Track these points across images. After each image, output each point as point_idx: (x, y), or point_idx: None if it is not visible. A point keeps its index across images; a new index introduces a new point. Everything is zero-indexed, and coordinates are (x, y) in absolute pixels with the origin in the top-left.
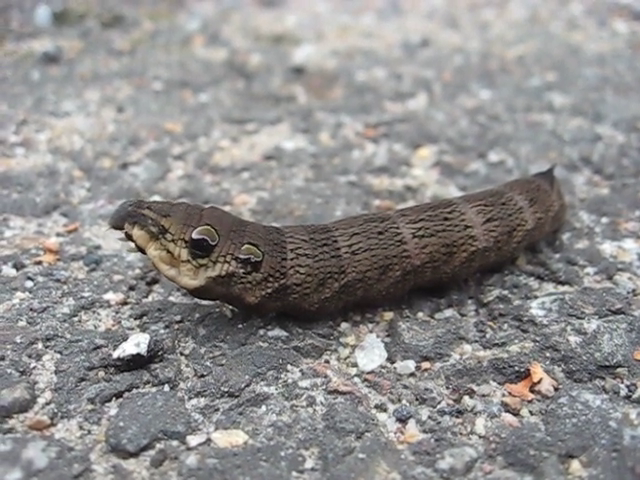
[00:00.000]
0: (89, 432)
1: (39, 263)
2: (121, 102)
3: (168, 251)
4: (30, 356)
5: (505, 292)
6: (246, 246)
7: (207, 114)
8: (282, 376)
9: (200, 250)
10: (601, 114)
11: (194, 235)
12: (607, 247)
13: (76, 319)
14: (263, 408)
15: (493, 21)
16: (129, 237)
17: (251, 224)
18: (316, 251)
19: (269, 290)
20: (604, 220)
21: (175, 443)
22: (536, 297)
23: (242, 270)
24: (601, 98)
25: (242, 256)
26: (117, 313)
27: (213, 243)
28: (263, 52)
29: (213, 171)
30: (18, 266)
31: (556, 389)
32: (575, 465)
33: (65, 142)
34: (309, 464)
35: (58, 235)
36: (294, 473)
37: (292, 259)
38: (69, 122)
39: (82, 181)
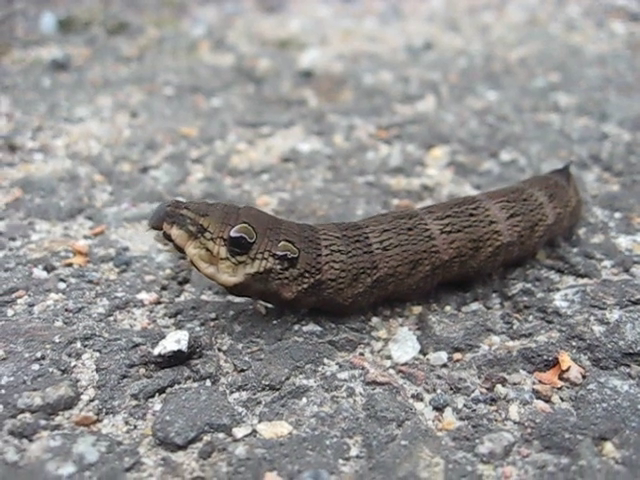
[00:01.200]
0: (135, 427)
1: (69, 265)
2: (134, 107)
3: (207, 249)
4: (70, 355)
5: (528, 285)
6: (282, 243)
7: (221, 118)
8: (320, 369)
9: (238, 247)
10: (606, 113)
11: (232, 233)
12: (622, 241)
13: (112, 319)
14: (304, 400)
15: (493, 24)
16: (168, 237)
17: (286, 222)
18: (349, 247)
19: (305, 285)
20: (617, 215)
21: (221, 435)
22: (558, 289)
23: (279, 266)
24: (605, 98)
25: (279, 253)
26: (151, 312)
27: (251, 241)
28: (270, 57)
29: (232, 174)
30: (49, 268)
31: (584, 376)
32: (609, 447)
33: (82, 147)
34: (354, 452)
35: (86, 238)
36: (340, 460)
37: (326, 255)
38: (84, 127)
39: (104, 185)
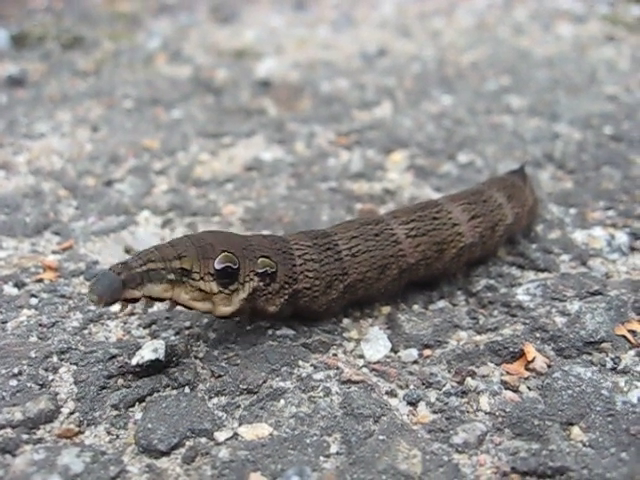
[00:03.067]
0: (117, 436)
1: (40, 281)
2: (94, 121)
3: (200, 290)
4: (47, 369)
5: (491, 281)
6: (260, 260)
7: (182, 129)
8: (295, 371)
9: (227, 278)
10: (557, 114)
11: (217, 265)
12: (578, 236)
13: (86, 332)
14: (282, 401)
15: (443, 29)
16: (133, 300)
17: (253, 237)
18: (321, 255)
19: (285, 297)
20: (572, 211)
21: (204, 440)
22: (520, 284)
23: (262, 283)
24: (555, 99)
25: (260, 270)
26: (125, 324)
27: (235, 267)
28: (227, 67)
29: (197, 184)
30: (19, 285)
31: (549, 366)
32: (576, 431)
33: (45, 163)
34: (334, 449)
35: (54, 253)
36: (322, 458)
37: (301, 264)
38: (45, 143)
39: (69, 200)
